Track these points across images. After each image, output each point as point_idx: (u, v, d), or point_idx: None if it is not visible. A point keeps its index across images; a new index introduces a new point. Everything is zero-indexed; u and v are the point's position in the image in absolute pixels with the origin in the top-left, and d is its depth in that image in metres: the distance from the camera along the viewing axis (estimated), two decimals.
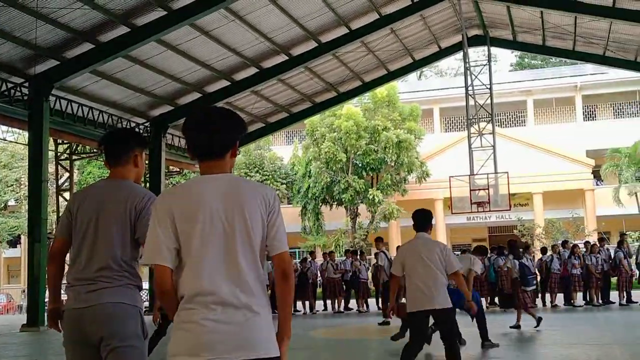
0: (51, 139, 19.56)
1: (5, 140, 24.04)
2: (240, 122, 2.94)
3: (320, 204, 33.34)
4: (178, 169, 27.48)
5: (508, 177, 23.32)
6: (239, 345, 2.50)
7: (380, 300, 17.91)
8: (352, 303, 20.04)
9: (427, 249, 6.24)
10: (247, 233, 2.61)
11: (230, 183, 2.70)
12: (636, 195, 32.29)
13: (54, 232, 22.03)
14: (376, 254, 18.06)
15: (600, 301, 17.65)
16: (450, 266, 6.21)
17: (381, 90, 31.24)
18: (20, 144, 24.75)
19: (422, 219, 6.41)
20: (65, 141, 21.34)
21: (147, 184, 24.74)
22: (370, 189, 31.84)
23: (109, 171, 3.55)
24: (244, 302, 2.54)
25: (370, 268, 20.00)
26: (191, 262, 2.58)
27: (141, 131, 21.33)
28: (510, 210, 26.27)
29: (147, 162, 23.55)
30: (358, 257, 20.30)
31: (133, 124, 21.03)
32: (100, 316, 3.19)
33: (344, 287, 19.94)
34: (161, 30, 15.87)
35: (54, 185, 23.39)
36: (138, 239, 3.29)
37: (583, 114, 38.30)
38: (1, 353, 11.56)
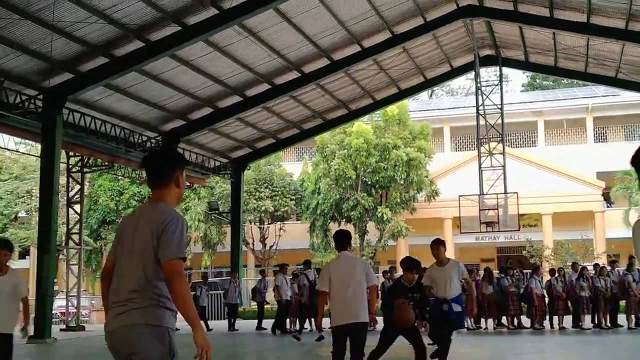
0: (63, 152, 19.67)
1: (18, 151, 24.18)
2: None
3: (329, 220, 33.31)
4: (188, 184, 27.54)
5: (517, 198, 23.26)
6: None
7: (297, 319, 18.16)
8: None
9: (350, 265, 6.77)
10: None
11: None
12: None
13: (62, 243, 22.15)
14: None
15: (608, 324, 17.51)
16: (370, 280, 6.76)
17: (392, 109, 31.29)
18: (33, 155, 24.90)
19: (342, 238, 6.92)
20: (77, 154, 21.45)
21: None
22: (379, 207, 31.81)
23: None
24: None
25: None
26: None
27: (152, 145, 21.46)
28: (519, 230, 26.20)
29: None
30: None
31: (145, 138, 21.14)
32: (126, 337, 3.35)
33: None
34: (175, 45, 16.01)
35: (65, 198, 23.47)
36: (160, 259, 3.37)
37: (594, 135, 38.22)
38: None
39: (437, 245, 8.78)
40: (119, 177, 30.91)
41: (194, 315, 3.33)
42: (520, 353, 11.94)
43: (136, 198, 35.40)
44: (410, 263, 8.14)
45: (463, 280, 8.94)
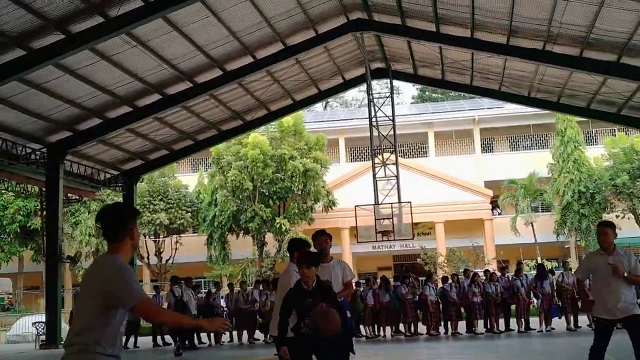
0: None
1: None
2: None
3: (227, 232, 32.98)
4: (77, 197, 26.51)
5: (411, 207, 23.77)
6: None
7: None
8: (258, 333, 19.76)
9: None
10: None
11: None
12: (532, 225, 33.67)
13: None
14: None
15: (500, 328, 18.14)
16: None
17: (287, 119, 31.40)
18: None
19: (291, 249, 6.72)
20: None
21: (45, 212, 23.76)
22: (277, 218, 31.75)
23: None
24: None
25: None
26: None
27: (37, 157, 20.52)
28: (413, 239, 26.83)
29: (44, 189, 22.66)
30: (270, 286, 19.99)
31: (29, 150, 20.18)
32: None
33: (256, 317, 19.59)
34: (59, 54, 15.34)
35: None
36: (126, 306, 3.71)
37: (481, 146, 39.77)
38: None
39: (323, 236, 6.99)
40: (2, 191, 29.38)
41: (186, 321, 4.08)
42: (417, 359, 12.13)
43: (21, 212, 33.75)
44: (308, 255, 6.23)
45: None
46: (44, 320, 21.45)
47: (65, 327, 24.13)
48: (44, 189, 22.79)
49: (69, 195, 24.89)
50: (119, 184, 25.23)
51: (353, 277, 7.46)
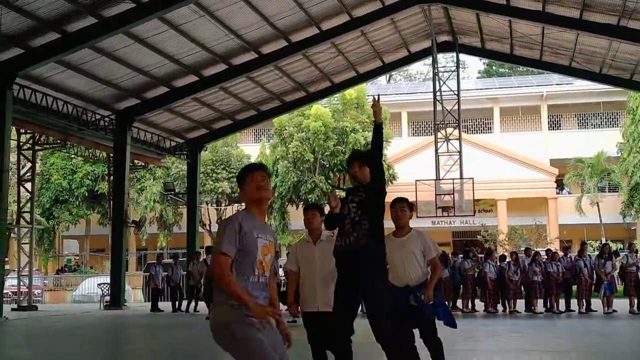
0: (14, 128, 19.19)
1: None
2: None
3: (287, 203, 33.28)
4: (143, 163, 27.18)
5: (473, 183, 23.52)
6: None
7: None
8: None
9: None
10: None
11: None
12: (597, 205, 32.86)
13: (13, 222, 21.67)
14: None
15: (560, 309, 17.87)
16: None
17: (350, 92, 31.29)
18: None
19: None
20: (28, 131, 20.93)
21: (111, 177, 24.46)
22: (337, 190, 31.82)
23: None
24: None
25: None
26: None
27: (106, 123, 21.07)
28: (474, 215, 26.54)
29: (111, 155, 23.30)
30: None
31: (98, 116, 20.73)
32: None
33: None
34: (129, 22, 15.66)
35: (16, 176, 22.95)
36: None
37: (548, 123, 38.85)
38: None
39: (401, 204, 6.20)
40: (72, 156, 30.32)
41: (244, 296, 3.68)
42: (473, 336, 12.07)
43: (89, 177, 34.81)
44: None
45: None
46: (108, 281, 22.17)
47: (128, 289, 25.00)
48: (111, 155, 23.42)
49: (135, 161, 25.52)
50: (184, 152, 25.70)
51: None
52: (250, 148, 37.30)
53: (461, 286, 18.73)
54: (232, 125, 26.03)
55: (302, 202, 32.92)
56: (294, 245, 6.61)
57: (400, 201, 6.23)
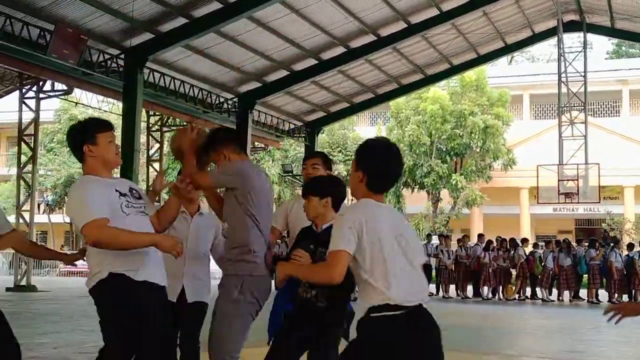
0: (143, 110, 20.18)
1: (101, 109, 24.98)
2: None
3: (402, 186, 33.19)
4: (263, 145, 27.88)
5: (599, 169, 22.57)
6: None
7: None
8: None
9: None
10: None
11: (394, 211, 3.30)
12: None
13: None
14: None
15: None
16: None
17: (469, 74, 30.68)
18: (115, 113, 25.64)
19: None
20: (156, 113, 21.97)
21: None
22: (453, 174, 31.44)
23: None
24: None
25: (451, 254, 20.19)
26: None
27: (229, 106, 21.75)
28: (599, 203, 25.44)
29: None
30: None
31: (222, 99, 21.44)
32: None
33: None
34: (253, 7, 16.06)
35: (145, 156, 24.17)
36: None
37: None
38: None
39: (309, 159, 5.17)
40: None
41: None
42: (595, 327, 11.66)
43: None
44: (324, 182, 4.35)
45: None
46: None
47: None
48: None
49: (256, 143, 26.22)
50: (302, 134, 26.14)
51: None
52: (366, 131, 37.38)
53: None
54: (349, 108, 26.17)
55: (417, 186, 32.73)
56: None
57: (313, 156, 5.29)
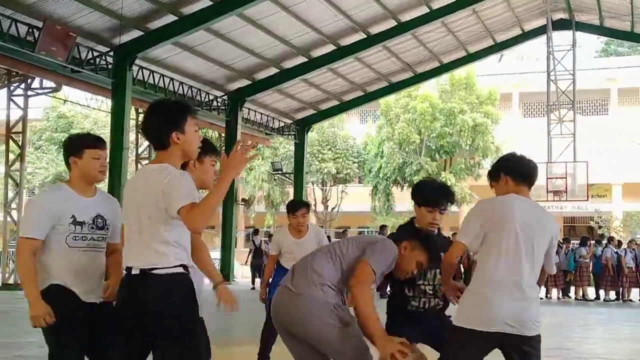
0: (132, 108, 20.08)
1: (89, 107, 24.84)
2: None
3: (391, 184, 33.24)
4: (253, 143, 27.79)
5: (587, 167, 22.66)
6: None
7: None
8: None
9: None
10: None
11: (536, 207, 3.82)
12: None
13: None
14: None
15: None
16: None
17: (459, 72, 30.74)
18: (103, 111, 25.55)
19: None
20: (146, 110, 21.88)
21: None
22: (442, 172, 31.51)
23: None
24: None
25: None
26: None
27: (219, 104, 21.69)
28: (587, 200, 25.55)
29: (222, 134, 24.00)
30: None
31: (212, 97, 21.38)
32: None
33: None
34: (242, 4, 16.02)
35: (134, 153, 24.07)
36: None
37: None
38: None
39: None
40: None
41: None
42: (584, 324, 11.73)
43: None
44: None
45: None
46: (218, 257, 22.92)
47: (237, 265, 25.76)
48: (222, 135, 24.10)
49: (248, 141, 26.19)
50: (292, 132, 26.12)
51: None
52: (356, 129, 37.41)
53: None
54: (339, 106, 26.18)
55: (406, 184, 32.76)
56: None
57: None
